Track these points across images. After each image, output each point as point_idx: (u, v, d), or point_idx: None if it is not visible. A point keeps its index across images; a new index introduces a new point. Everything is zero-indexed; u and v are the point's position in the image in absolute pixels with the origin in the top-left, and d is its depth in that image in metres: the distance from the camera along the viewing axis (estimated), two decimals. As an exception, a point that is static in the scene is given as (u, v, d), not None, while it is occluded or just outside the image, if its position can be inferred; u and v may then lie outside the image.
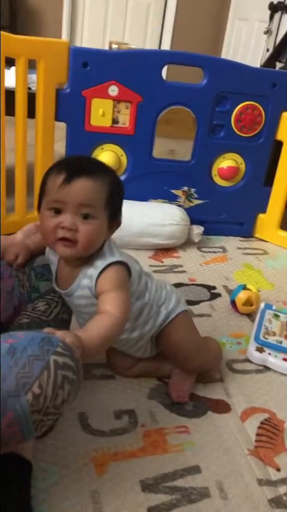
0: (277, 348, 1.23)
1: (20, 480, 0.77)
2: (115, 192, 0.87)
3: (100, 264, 0.86)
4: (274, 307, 1.41)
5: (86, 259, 0.87)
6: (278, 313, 1.38)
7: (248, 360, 1.23)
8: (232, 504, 0.84)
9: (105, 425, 0.96)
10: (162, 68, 1.63)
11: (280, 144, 1.79)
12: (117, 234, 1.64)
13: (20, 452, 0.78)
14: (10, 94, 1.50)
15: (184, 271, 1.63)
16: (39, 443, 0.88)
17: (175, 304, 1.04)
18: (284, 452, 0.97)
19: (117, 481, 0.85)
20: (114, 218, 0.88)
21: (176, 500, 0.83)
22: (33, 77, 1.57)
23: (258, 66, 3.13)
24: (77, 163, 0.86)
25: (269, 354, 1.22)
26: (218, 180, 1.82)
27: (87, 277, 0.86)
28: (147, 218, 1.69)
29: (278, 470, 0.93)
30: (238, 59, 3.70)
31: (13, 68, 1.53)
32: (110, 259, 0.86)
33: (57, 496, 0.81)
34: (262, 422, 1.03)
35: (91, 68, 1.55)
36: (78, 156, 0.91)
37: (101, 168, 0.87)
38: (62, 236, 0.82)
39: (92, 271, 0.86)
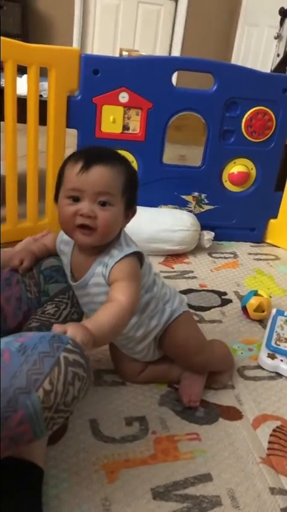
0: (289, 355, 1.22)
1: (32, 488, 0.77)
2: (131, 180, 0.88)
3: (117, 253, 0.87)
4: (285, 313, 1.40)
5: (103, 248, 0.89)
6: (290, 319, 1.37)
7: (259, 367, 1.22)
8: (243, 509, 0.83)
9: (116, 432, 0.96)
10: (172, 74, 1.63)
11: (291, 149, 1.79)
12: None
13: (31, 459, 0.78)
14: (22, 102, 1.52)
15: (194, 277, 1.63)
16: (51, 449, 0.88)
17: (178, 303, 1.05)
18: (296, 461, 0.96)
19: (128, 488, 0.85)
20: (130, 206, 0.90)
21: (187, 508, 0.82)
22: (44, 84, 1.59)
23: (268, 71, 3.13)
24: (94, 152, 0.87)
25: (281, 360, 1.21)
26: (228, 185, 1.82)
27: (102, 265, 0.88)
28: (157, 224, 1.69)
29: (291, 478, 0.92)
30: (248, 64, 3.70)
31: (25, 76, 1.54)
32: (128, 250, 0.88)
33: (68, 503, 0.81)
34: (274, 430, 1.02)
35: (102, 75, 1.56)
36: (95, 146, 0.91)
37: (117, 157, 0.88)
38: (81, 223, 0.83)
39: (108, 259, 0.87)
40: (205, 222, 1.80)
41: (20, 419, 0.62)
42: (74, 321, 0.95)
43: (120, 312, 0.80)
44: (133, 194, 0.90)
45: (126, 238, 0.92)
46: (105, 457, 0.90)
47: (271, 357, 1.22)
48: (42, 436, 0.66)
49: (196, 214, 1.79)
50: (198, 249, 1.79)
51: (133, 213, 0.92)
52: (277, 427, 1.02)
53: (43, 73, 1.51)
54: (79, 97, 1.59)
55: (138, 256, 0.90)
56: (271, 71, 3.14)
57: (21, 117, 1.53)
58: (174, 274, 1.63)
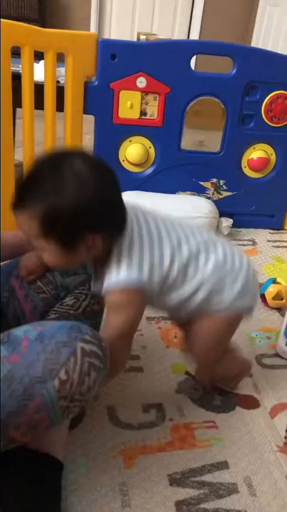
0: (307, 343, 1.21)
1: (50, 483, 0.77)
2: (58, 216, 0.71)
3: (108, 279, 0.79)
4: (304, 302, 1.39)
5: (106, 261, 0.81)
6: (309, 308, 1.35)
7: (278, 355, 1.21)
8: (261, 501, 0.83)
9: (133, 418, 0.97)
10: (191, 58, 1.60)
11: (312, 134, 1.75)
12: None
13: (52, 453, 0.79)
14: (39, 88, 1.51)
15: (212, 265, 1.61)
16: (69, 435, 0.89)
17: (232, 297, 0.89)
18: (314, 449, 0.95)
19: (145, 474, 0.86)
20: (70, 244, 0.75)
21: (204, 495, 0.83)
22: (61, 70, 1.57)
23: (289, 53, 3.05)
24: (18, 189, 0.74)
25: (300, 349, 1.20)
26: (247, 171, 1.79)
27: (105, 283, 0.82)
28: (176, 211, 1.67)
29: (308, 467, 0.91)
30: (269, 47, 3.61)
31: (42, 62, 1.53)
32: (113, 279, 0.78)
33: (87, 487, 0.82)
34: (292, 419, 1.01)
35: (119, 59, 1.54)
36: (32, 169, 0.74)
37: (39, 190, 0.71)
38: None
39: (105, 283, 0.80)
40: (223, 208, 1.78)
41: (37, 407, 0.62)
42: (94, 312, 0.94)
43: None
44: (70, 229, 0.73)
45: (120, 255, 0.78)
46: (122, 443, 0.91)
47: (290, 345, 1.21)
48: (59, 423, 0.66)
49: (214, 201, 1.77)
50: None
51: (96, 242, 0.75)
52: (295, 415, 1.01)
53: (60, 59, 1.50)
54: (96, 82, 1.57)
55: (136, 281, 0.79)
56: (292, 53, 3.07)
57: (39, 104, 1.53)
58: (192, 261, 1.61)
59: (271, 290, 1.38)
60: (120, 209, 0.79)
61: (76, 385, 0.64)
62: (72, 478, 0.83)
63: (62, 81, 1.60)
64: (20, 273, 0.92)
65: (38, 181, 0.72)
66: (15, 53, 1.44)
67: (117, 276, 0.78)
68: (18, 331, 0.67)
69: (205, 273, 0.86)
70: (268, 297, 1.38)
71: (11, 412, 0.62)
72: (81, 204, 0.71)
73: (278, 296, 1.38)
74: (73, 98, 1.55)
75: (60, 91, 1.54)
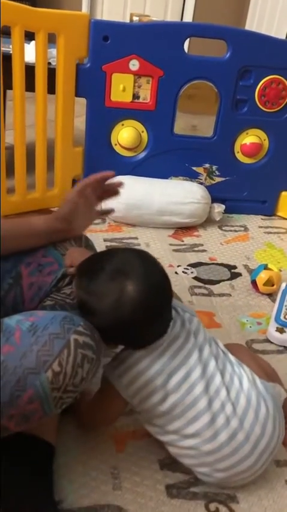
0: (298, 329, 1.22)
1: (42, 466, 0.78)
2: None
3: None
4: (295, 288, 1.39)
5: None
6: (299, 294, 1.36)
7: (268, 340, 1.22)
8: (249, 484, 0.84)
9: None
10: (184, 41, 1.58)
11: (305, 119, 1.74)
12: (139, 212, 1.65)
13: (42, 436, 0.79)
14: (30, 69, 1.48)
15: (204, 250, 1.61)
16: (60, 419, 0.89)
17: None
18: (303, 434, 0.96)
19: (136, 458, 0.86)
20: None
21: (194, 479, 0.83)
22: (53, 51, 1.55)
23: (284, 38, 3.03)
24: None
25: (290, 334, 1.21)
26: (240, 156, 1.78)
27: None
28: (168, 196, 1.67)
29: (297, 451, 0.93)
30: (263, 30, 3.58)
31: (33, 43, 1.50)
32: (108, 368, 0.81)
33: (78, 471, 0.83)
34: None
35: (112, 41, 1.52)
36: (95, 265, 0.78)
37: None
38: None
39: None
40: (215, 194, 1.77)
41: (30, 398, 0.62)
42: None
43: None
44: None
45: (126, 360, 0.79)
46: (113, 428, 0.91)
47: (280, 331, 1.22)
48: (52, 414, 0.66)
49: (206, 187, 1.76)
50: (208, 221, 1.77)
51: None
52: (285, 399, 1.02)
53: (51, 40, 1.47)
54: (88, 65, 1.55)
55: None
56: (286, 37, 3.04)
57: (29, 85, 1.50)
58: (184, 247, 1.62)
59: (263, 276, 1.38)
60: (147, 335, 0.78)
61: (69, 377, 0.64)
62: (63, 461, 0.83)
63: (53, 63, 1.57)
64: (65, 262, 0.89)
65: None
66: (6, 33, 1.41)
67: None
68: (11, 321, 0.67)
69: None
70: (259, 283, 1.39)
71: (3, 403, 0.62)
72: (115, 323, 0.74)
73: (269, 282, 1.38)
74: (65, 80, 1.53)
75: (51, 73, 1.51)
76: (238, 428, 0.77)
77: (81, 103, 1.62)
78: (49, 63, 1.53)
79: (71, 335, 0.66)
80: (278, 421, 0.82)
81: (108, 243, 1.56)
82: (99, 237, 1.59)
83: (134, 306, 0.72)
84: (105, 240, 1.58)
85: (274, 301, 1.37)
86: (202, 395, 0.77)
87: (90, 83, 1.57)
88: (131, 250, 0.82)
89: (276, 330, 1.22)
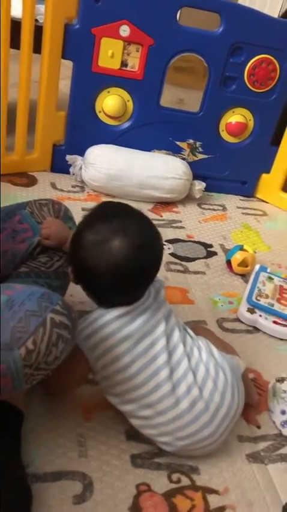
0: (268, 311, 1.24)
1: (11, 430, 0.78)
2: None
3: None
4: (268, 270, 1.41)
5: None
6: (272, 276, 1.38)
7: (238, 320, 1.24)
8: (210, 454, 0.87)
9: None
10: (177, 10, 1.54)
11: (291, 103, 1.74)
12: (119, 184, 1.63)
13: (13, 402, 0.79)
14: (16, 25, 1.42)
15: (182, 227, 1.61)
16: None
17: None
18: (265, 412, 0.99)
19: (102, 428, 0.88)
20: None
21: (158, 449, 0.85)
22: (41, 8, 1.48)
23: (276, 16, 2.98)
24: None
25: (260, 315, 1.23)
26: (225, 135, 1.77)
27: None
28: (150, 170, 1.65)
29: (259, 427, 0.96)
30: (256, 7, 3.51)
31: (20, -4, 1.43)
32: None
33: (44, 437, 0.84)
34: (247, 382, 1.05)
35: (103, 3, 1.46)
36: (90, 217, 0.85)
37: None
38: None
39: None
40: (197, 171, 1.76)
41: (1, 373, 0.62)
42: (66, 274, 0.93)
43: None
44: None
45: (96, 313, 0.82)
46: (81, 397, 0.92)
47: (250, 311, 1.24)
48: (22, 389, 0.67)
49: (189, 163, 1.75)
50: (188, 198, 1.77)
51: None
52: (251, 379, 1.05)
53: (40, -5, 1.41)
54: (77, 26, 1.49)
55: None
56: (279, 16, 2.99)
57: (14, 42, 1.44)
58: (162, 222, 1.61)
59: (237, 257, 1.40)
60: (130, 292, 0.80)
61: (43, 355, 0.64)
62: (31, 427, 0.84)
63: (41, 20, 1.51)
64: (42, 232, 0.90)
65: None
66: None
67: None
68: None
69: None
70: (234, 263, 1.40)
71: None
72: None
73: (243, 263, 1.40)
74: (52, 40, 1.47)
75: (38, 31, 1.45)
76: (198, 397, 0.80)
77: (67, 65, 1.57)
78: (36, 20, 1.47)
79: (48, 314, 0.65)
80: (237, 390, 0.85)
81: (87, 213, 1.53)
82: (77, 205, 1.57)
83: (128, 252, 0.75)
84: (83, 210, 1.56)
85: (246, 282, 1.39)
86: (164, 365, 0.80)
87: (78, 45, 1.51)
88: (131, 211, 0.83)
89: (247, 310, 1.24)
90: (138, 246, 0.76)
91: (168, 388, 0.79)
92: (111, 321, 0.79)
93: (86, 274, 0.79)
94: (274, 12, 3.28)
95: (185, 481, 0.83)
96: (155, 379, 0.79)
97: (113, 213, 0.81)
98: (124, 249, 0.75)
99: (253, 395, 0.98)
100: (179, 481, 0.83)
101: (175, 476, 0.83)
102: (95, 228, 0.79)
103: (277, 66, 1.65)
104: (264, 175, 1.89)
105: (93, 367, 0.80)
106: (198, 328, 0.99)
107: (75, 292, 1.09)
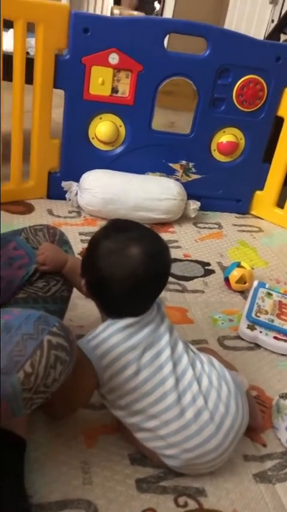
0: (268, 326, 1.24)
1: (14, 461, 0.77)
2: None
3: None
4: (267, 286, 1.42)
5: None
6: (271, 292, 1.38)
7: (239, 337, 1.24)
8: (216, 475, 0.86)
9: (93, 398, 0.96)
10: (164, 36, 1.58)
11: (280, 120, 1.76)
12: (115, 207, 1.65)
13: (14, 430, 0.79)
14: (8, 58, 1.45)
15: (179, 247, 1.62)
16: (30, 415, 0.88)
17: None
18: (270, 429, 0.98)
19: (106, 453, 0.87)
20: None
21: (164, 473, 0.84)
22: (31, 41, 1.52)
23: (262, 38, 3.05)
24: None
25: (260, 332, 1.23)
26: (217, 155, 1.80)
27: None
28: (144, 192, 1.67)
29: (264, 446, 0.95)
30: (242, 30, 3.60)
31: (11, 31, 1.47)
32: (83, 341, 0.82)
33: (48, 466, 0.83)
34: (250, 400, 1.04)
35: (92, 34, 1.50)
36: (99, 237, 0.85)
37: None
38: None
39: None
40: (191, 191, 1.78)
41: (0, 398, 0.61)
42: (63, 298, 0.94)
43: None
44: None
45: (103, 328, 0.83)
46: (84, 422, 0.91)
47: (251, 328, 1.24)
48: (21, 415, 0.66)
49: (182, 183, 1.77)
50: (183, 218, 1.78)
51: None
52: (254, 396, 1.04)
53: (30, 29, 1.45)
54: (67, 56, 1.53)
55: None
56: (265, 38, 3.06)
57: (7, 75, 1.47)
58: (158, 243, 1.62)
59: (235, 274, 1.40)
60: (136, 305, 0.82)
61: (41, 378, 0.64)
62: (34, 456, 0.83)
63: (32, 53, 1.55)
64: (38, 259, 0.91)
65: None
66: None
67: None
68: None
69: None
70: (232, 281, 1.40)
71: None
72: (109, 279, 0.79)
73: (241, 280, 1.40)
74: (43, 71, 1.51)
75: (29, 63, 1.49)
76: (203, 407, 0.80)
77: (59, 95, 1.60)
78: (27, 53, 1.51)
79: (45, 336, 0.65)
80: (241, 404, 0.85)
81: (84, 237, 1.55)
82: (74, 230, 1.58)
83: (145, 260, 0.78)
84: (80, 234, 1.57)
85: (246, 298, 1.39)
86: (170, 374, 0.81)
87: (69, 74, 1.55)
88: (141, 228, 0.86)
89: (247, 327, 1.24)
90: (153, 253, 0.80)
91: (174, 398, 0.79)
92: (119, 330, 0.80)
93: (102, 283, 0.80)
94: (260, 34, 3.36)
95: (192, 505, 0.81)
96: (161, 388, 0.80)
97: (126, 225, 0.85)
98: (141, 256, 0.78)
99: (258, 417, 0.97)
100: (186, 504, 0.81)
101: (181, 500, 0.82)
102: (111, 237, 0.81)
103: (265, 85, 1.69)
104: (258, 192, 1.91)
105: (101, 378, 0.80)
106: (201, 349, 0.99)
107: (75, 317, 1.10)
